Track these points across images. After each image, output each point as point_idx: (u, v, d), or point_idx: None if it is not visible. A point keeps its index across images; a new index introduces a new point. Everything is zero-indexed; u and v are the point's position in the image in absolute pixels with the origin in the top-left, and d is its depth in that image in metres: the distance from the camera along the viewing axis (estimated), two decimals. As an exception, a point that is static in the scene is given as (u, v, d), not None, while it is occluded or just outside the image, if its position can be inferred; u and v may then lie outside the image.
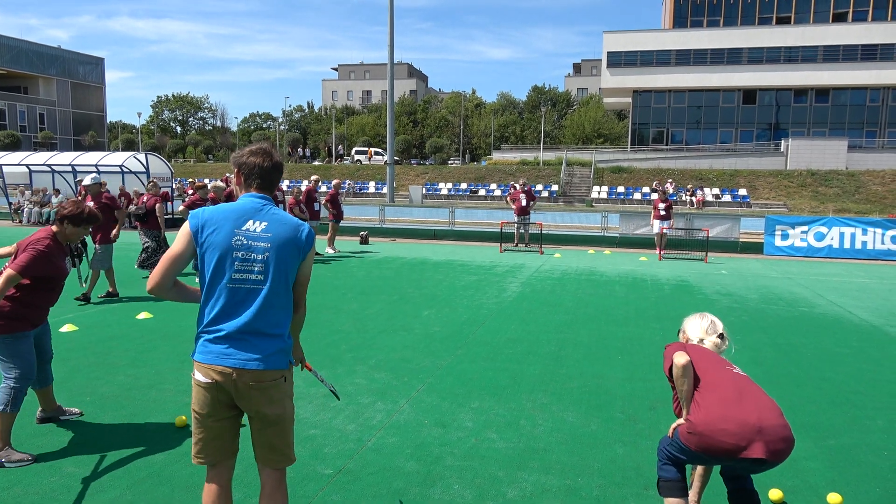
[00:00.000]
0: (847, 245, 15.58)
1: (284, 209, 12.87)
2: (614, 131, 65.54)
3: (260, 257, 2.46)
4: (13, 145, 50.60)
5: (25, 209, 21.49)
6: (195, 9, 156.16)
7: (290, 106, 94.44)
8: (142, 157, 21.76)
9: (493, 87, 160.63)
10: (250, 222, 2.49)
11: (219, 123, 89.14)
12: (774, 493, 3.37)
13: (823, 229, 15.73)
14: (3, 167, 23.25)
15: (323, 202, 14.20)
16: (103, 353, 6.10)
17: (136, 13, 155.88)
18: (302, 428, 4.32)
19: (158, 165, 22.04)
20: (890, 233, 15.39)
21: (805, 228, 15.86)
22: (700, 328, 3.15)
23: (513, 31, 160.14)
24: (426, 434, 4.27)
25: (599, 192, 41.19)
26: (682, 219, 17.25)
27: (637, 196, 40.15)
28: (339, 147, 63.61)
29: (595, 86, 74.40)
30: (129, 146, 66.66)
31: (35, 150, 44.72)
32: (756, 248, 16.12)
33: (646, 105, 54.42)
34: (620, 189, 41.43)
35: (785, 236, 15.91)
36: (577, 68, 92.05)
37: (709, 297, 9.68)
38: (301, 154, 63.14)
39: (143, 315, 7.68)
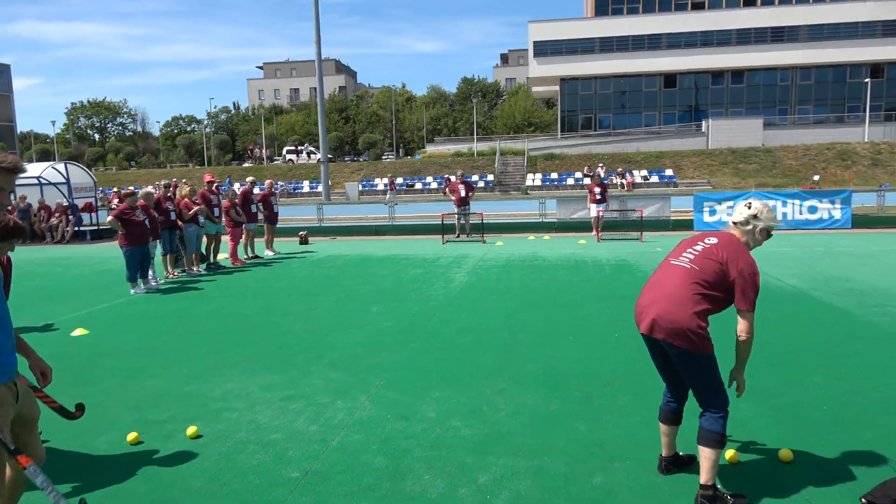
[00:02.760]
0: (769, 217, 16.41)
1: (220, 213, 12.51)
2: (544, 119, 66.74)
3: None
4: (-88, 161, 47.01)
5: (-67, 229, 20.02)
6: (107, 10, 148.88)
7: (215, 107, 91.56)
8: (61, 167, 20.64)
9: (423, 80, 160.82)
10: None
11: (140, 128, 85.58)
12: (728, 453, 3.54)
13: (747, 204, 16.51)
14: None
15: (256, 203, 13.85)
16: (39, 374, 5.77)
17: (43, 16, 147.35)
18: (263, 433, 4.24)
19: (79, 175, 20.98)
20: (807, 203, 16.33)
21: (731, 204, 16.61)
22: (734, 212, 3.36)
23: (439, 23, 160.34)
24: (390, 428, 4.25)
25: (534, 180, 41.88)
26: (615, 201, 17.75)
27: (570, 182, 41.04)
28: (255, 149, 62.02)
29: (523, 75, 75.37)
30: (45, 157, 63.24)
31: (-62, 165, 41.65)
32: (687, 225, 16.77)
33: (573, 92, 55.59)
34: (554, 175, 42.24)
35: (713, 212, 16.62)
36: (505, 59, 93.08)
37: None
38: (258, 156, 60.36)
39: (78, 331, 7.31)
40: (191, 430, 4.23)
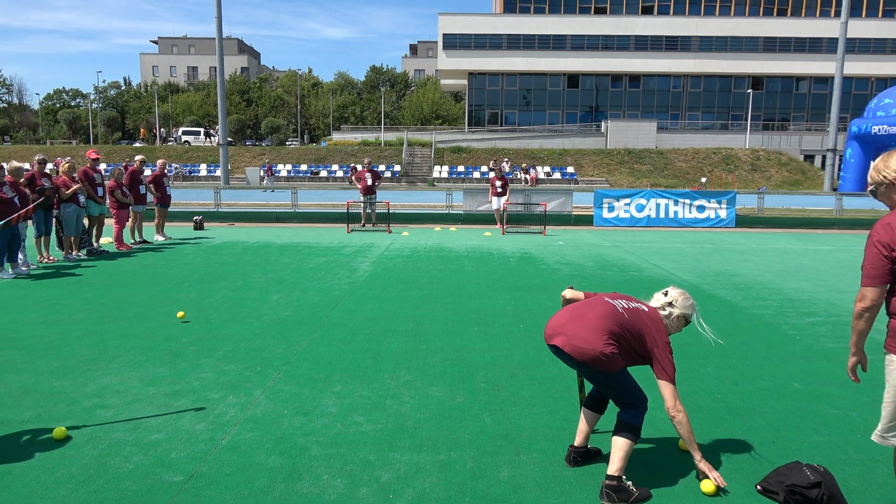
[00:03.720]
0: (663, 215, 17.26)
1: (104, 193, 11.53)
2: (452, 112, 67.17)
3: None
4: None
5: None
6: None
7: (103, 81, 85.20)
8: (-86, 136, 18.34)
9: (331, 66, 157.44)
10: None
11: (16, 100, 78.26)
12: (706, 486, 3.20)
13: (643, 201, 17.27)
14: None
15: (146, 183, 12.91)
16: None
17: None
18: (143, 433, 3.83)
19: (-62, 146, 18.75)
20: (696, 203, 17.28)
21: (628, 201, 17.31)
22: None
23: (349, 10, 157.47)
24: (287, 425, 3.97)
25: (441, 172, 42.01)
26: (520, 195, 18.03)
27: (476, 175, 41.52)
28: (161, 129, 58.28)
29: (432, 67, 75.47)
30: None
31: None
32: (587, 221, 17.30)
33: (481, 87, 56.25)
34: (461, 168, 42.57)
35: (611, 208, 17.25)
36: (414, 49, 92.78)
37: (551, 267, 10.18)
38: (157, 135, 56.07)
39: (-74, 321, 6.43)
40: (58, 430, 3.75)
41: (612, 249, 12.45)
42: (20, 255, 9.60)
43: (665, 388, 3.11)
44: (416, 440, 3.76)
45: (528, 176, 39.72)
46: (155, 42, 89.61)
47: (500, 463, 3.49)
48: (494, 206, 16.36)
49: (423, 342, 5.83)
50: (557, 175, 41.81)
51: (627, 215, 17.28)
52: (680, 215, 17.25)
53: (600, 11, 55.54)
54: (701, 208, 17.28)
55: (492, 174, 16.42)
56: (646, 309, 3.31)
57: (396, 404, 4.32)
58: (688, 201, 17.31)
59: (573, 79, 55.17)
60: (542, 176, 41.27)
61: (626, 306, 3.29)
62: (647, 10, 55.88)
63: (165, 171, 13.79)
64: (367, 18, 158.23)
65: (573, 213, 17.74)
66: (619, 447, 3.10)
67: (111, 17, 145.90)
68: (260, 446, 3.67)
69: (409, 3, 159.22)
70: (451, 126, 61.63)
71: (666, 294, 3.36)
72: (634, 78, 54.68)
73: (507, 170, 39.64)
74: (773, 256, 11.74)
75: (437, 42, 56.27)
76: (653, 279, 9.21)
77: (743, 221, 17.52)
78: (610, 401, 3.43)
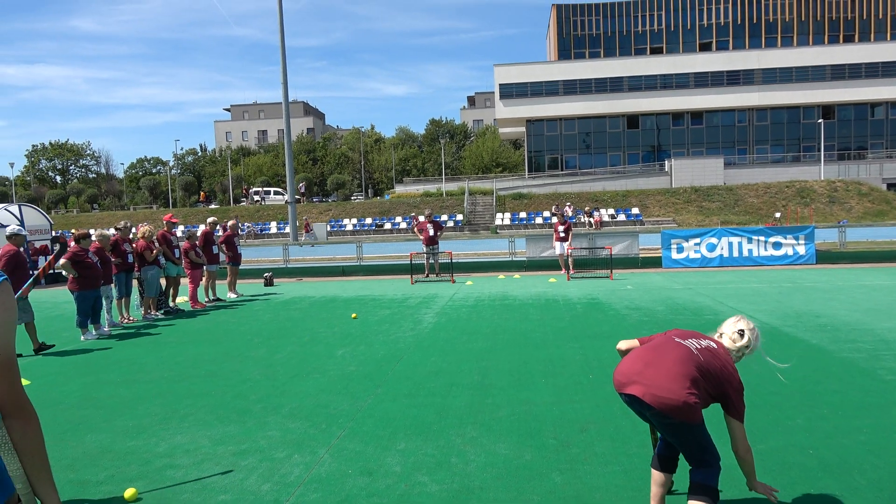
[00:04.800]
0: (736, 254, 16.56)
1: (179, 254, 12.06)
2: (511, 160, 67.61)
3: None
4: None
5: None
6: (71, 53, 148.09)
7: (181, 149, 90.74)
8: (14, 208, 19.92)
9: (392, 122, 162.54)
10: None
11: (104, 170, 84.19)
12: None
13: (714, 240, 16.65)
14: None
15: (218, 244, 13.44)
16: (-34, 431, 5.26)
17: (5, 59, 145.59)
18: (210, 494, 3.84)
19: (35, 217, 20.26)
20: (772, 240, 16.51)
21: (697, 241, 16.73)
22: (725, 324, 3.38)
23: (407, 67, 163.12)
24: (351, 485, 3.90)
25: (503, 219, 42.06)
26: (585, 239, 17.75)
27: (539, 220, 41.32)
28: (250, 188, 60.21)
29: (490, 117, 76.68)
30: (2, 199, 61.57)
31: None
32: (655, 263, 16.79)
33: (539, 133, 56.55)
34: (522, 214, 42.51)
35: (680, 249, 16.70)
36: (472, 101, 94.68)
37: (620, 313, 9.85)
38: (248, 195, 57.69)
39: (16, 383, 6.77)
40: (129, 492, 3.81)
41: (684, 292, 11.98)
42: (105, 316, 10.09)
43: (738, 428, 3.05)
44: (483, 501, 3.61)
45: (592, 219, 39.22)
46: (228, 110, 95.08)
47: (572, 527, 3.29)
48: (558, 252, 16.14)
49: (488, 395, 5.69)
50: (622, 217, 41.10)
51: (698, 256, 16.67)
52: (755, 253, 16.51)
53: (656, 51, 55.37)
54: (777, 245, 16.49)
55: (554, 219, 16.27)
56: (715, 346, 3.18)
57: (462, 463, 4.18)
58: (762, 238, 16.57)
59: (633, 119, 54.74)
60: (606, 218, 40.67)
61: (699, 346, 3.13)
62: (705, 47, 55.29)
63: (236, 230, 14.34)
64: (425, 74, 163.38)
65: (640, 255, 17.28)
66: None
67: (189, 90, 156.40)
68: (324, 508, 3.60)
69: (465, 56, 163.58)
70: (512, 173, 61.98)
71: (742, 335, 3.22)
72: (696, 115, 53.75)
73: (571, 213, 39.31)
74: (860, 294, 10.99)
75: (493, 92, 57.23)
76: (729, 322, 8.74)
77: (824, 257, 16.59)
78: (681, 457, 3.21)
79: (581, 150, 56.34)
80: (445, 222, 41.07)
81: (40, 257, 19.84)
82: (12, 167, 66.57)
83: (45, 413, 5.68)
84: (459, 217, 42.58)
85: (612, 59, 54.46)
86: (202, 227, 13.19)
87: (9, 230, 9.16)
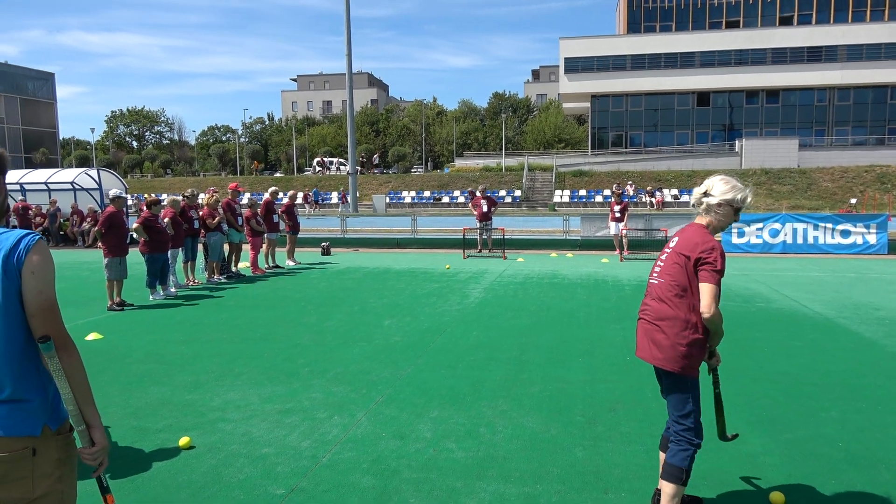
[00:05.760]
0: (800, 241, 15.98)
1: (241, 222, 12.61)
2: (574, 136, 66.43)
3: None
4: (-41, 165, 48.74)
5: (-29, 230, 20.64)
6: (149, 21, 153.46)
7: (249, 118, 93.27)
8: (93, 173, 21.15)
9: (454, 94, 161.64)
10: None
11: (176, 137, 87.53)
12: (775, 496, 3.36)
13: (777, 226, 16.11)
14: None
15: (279, 213, 13.96)
16: (47, 377, 5.82)
17: (88, 27, 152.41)
18: (255, 447, 4.18)
19: (111, 181, 21.46)
20: (840, 227, 15.83)
21: (760, 226, 16.22)
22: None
23: (472, 39, 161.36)
24: (383, 447, 4.16)
25: (562, 196, 41.60)
26: (641, 220, 17.48)
27: (598, 199, 40.67)
28: (323, 158, 61.29)
29: (554, 91, 75.28)
30: (83, 162, 65.00)
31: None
32: (714, 247, 16.36)
33: (604, 109, 55.22)
34: (582, 192, 41.92)
35: (741, 234, 16.24)
36: (536, 75, 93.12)
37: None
38: (324, 164, 58.32)
39: (92, 336, 7.39)
40: (183, 440, 4.19)
41: (739, 278, 11.72)
42: (171, 278, 10.73)
43: (706, 290, 2.88)
44: (505, 470, 3.80)
45: (653, 199, 38.32)
46: (294, 80, 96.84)
47: (586, 500, 3.44)
48: (613, 232, 15.98)
49: (524, 371, 5.85)
50: (686, 198, 39.94)
51: (759, 241, 16.18)
52: (820, 241, 15.88)
53: (732, 25, 52.87)
54: (846, 233, 15.81)
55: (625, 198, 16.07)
56: (676, 240, 3.12)
57: (489, 433, 4.38)
58: (830, 225, 15.91)
59: (703, 97, 52.70)
60: (668, 199, 39.65)
61: (661, 269, 3.12)
62: (786, 21, 52.44)
63: (295, 200, 14.82)
64: (490, 46, 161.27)
65: (698, 238, 16.87)
66: (665, 492, 3.02)
67: (258, 59, 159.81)
68: (356, 466, 3.88)
69: (531, 28, 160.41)
70: (574, 149, 60.94)
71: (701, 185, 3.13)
72: (772, 93, 51.27)
73: (632, 193, 38.51)
74: (929, 287, 10.50)
75: (558, 66, 56.15)
76: (781, 311, 8.57)
77: (897, 247, 15.80)
78: None
79: (647, 128, 54.75)
80: (503, 198, 40.96)
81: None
82: (93, 132, 70.16)
83: (115, 365, 6.21)
84: (518, 193, 42.37)
85: (685, 32, 52.36)
86: (265, 196, 13.71)
87: (112, 193, 10.19)
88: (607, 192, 40.86)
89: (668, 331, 3.01)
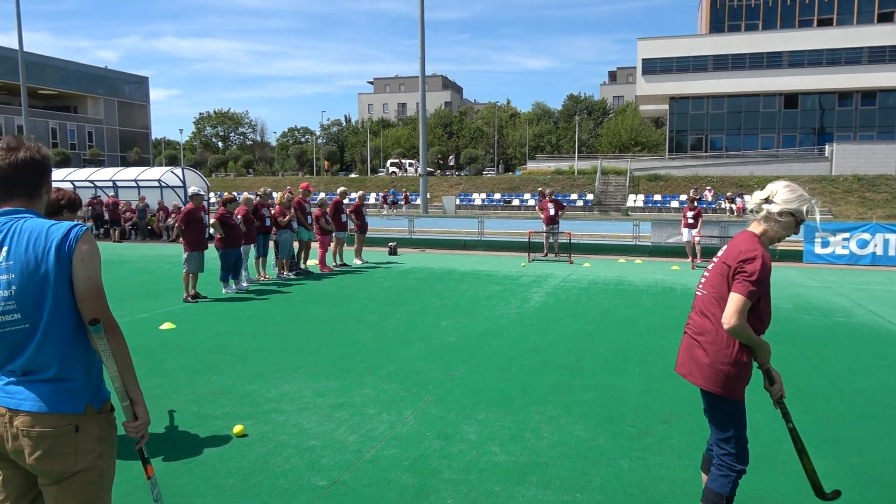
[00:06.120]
0: (892, 252, 14.94)
1: (311, 221, 12.99)
2: (652, 139, 64.63)
3: (8, 293, 1.95)
4: (63, 163, 52.58)
5: (69, 224, 22.21)
6: (236, 27, 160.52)
7: (327, 120, 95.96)
8: (178, 171, 22.33)
9: (528, 97, 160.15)
10: None
11: (258, 138, 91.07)
12: None
13: (867, 236, 15.12)
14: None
15: (347, 213, 14.29)
16: (122, 362, 6.19)
17: (181, 33, 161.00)
18: (304, 438, 4.31)
19: (195, 180, 22.58)
20: (938, 239, 14.68)
21: (847, 235, 15.27)
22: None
23: (548, 40, 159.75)
24: (427, 446, 4.19)
25: (635, 201, 40.55)
26: (716, 226, 16.82)
27: (674, 204, 39.40)
28: (402, 160, 62.25)
29: (631, 93, 73.50)
30: (172, 161, 68.53)
31: (84, 167, 46.36)
32: (795, 256, 15.57)
33: (683, 111, 53.48)
34: (657, 197, 40.72)
35: (825, 243, 15.35)
36: (613, 76, 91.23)
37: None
38: (402, 165, 59.38)
39: (166, 325, 7.81)
40: (237, 428, 4.37)
41: (820, 290, 11.09)
42: (243, 273, 11.19)
43: (732, 299, 2.68)
44: (545, 477, 3.75)
45: (733, 205, 36.74)
46: (371, 82, 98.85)
47: (627, 512, 3.35)
48: (685, 239, 15.43)
49: (577, 377, 5.75)
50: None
51: (846, 252, 15.23)
52: (915, 253, 14.77)
53: (825, 23, 50.04)
54: (945, 245, 14.64)
55: (697, 204, 15.54)
56: (724, 248, 2.93)
57: (535, 438, 4.34)
58: (926, 237, 14.78)
59: (791, 98, 50.11)
60: (749, 206, 37.90)
61: (705, 280, 2.94)
62: (885, 18, 49.13)
63: (364, 201, 15.13)
64: (565, 48, 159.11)
65: (778, 247, 16.07)
66: None
67: (337, 62, 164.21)
68: (398, 463, 3.93)
69: (608, 29, 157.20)
70: (651, 153, 59.31)
71: (763, 189, 2.88)
72: (868, 94, 48.13)
73: (710, 198, 37.07)
74: None
75: (636, 68, 54.79)
76: (863, 326, 8.05)
77: None
78: None
79: (729, 131, 52.58)
80: (574, 202, 40.37)
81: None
82: (181, 133, 74.00)
83: (184, 354, 6.54)
84: (590, 197, 41.62)
85: (772, 31, 49.95)
86: (334, 196, 14.07)
87: (191, 190, 10.85)
88: (683, 197, 39.52)
89: (708, 348, 2.84)
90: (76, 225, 2.03)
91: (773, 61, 48.68)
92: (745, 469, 2.87)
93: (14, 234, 1.98)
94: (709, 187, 39.10)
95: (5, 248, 1.97)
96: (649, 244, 17.12)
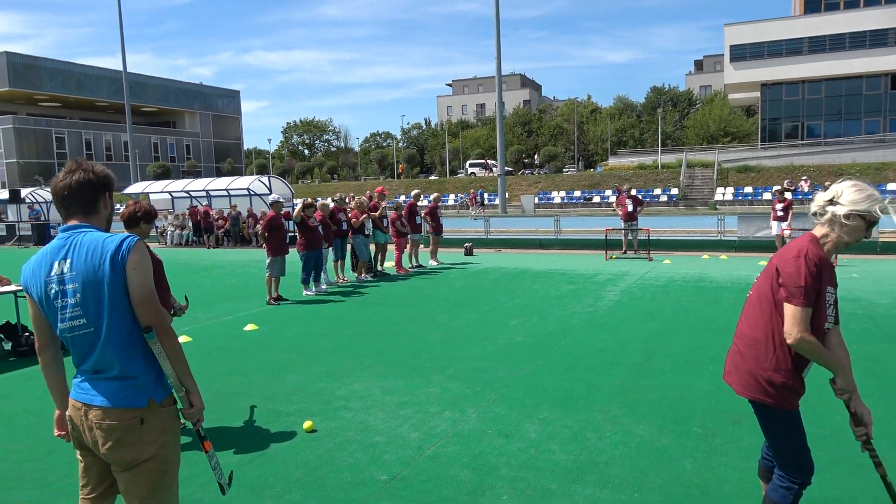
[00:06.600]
0: None
1: (387, 223, 13.31)
2: (742, 128, 61.66)
3: (74, 300, 2.18)
4: (164, 175, 56.29)
5: (168, 232, 23.83)
6: (320, 38, 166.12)
7: (407, 124, 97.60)
8: (265, 179, 23.43)
9: (610, 91, 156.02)
10: (56, 265, 2.21)
11: (342, 144, 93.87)
12: None
13: (983, 225, 13.82)
14: (150, 195, 26.03)
15: (422, 215, 14.52)
16: (208, 362, 6.63)
17: (269, 47, 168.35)
18: (369, 434, 4.48)
19: (280, 187, 23.63)
20: None
21: (960, 225, 14.01)
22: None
23: (631, 31, 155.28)
24: (487, 444, 4.25)
25: (724, 194, 38.81)
26: (809, 219, 15.82)
27: (767, 196, 37.39)
28: (487, 160, 62.67)
29: (719, 82, 70.33)
30: (262, 170, 71.74)
31: (183, 178, 49.45)
32: (900, 249, 14.45)
33: (776, 98, 50.60)
34: (748, 189, 38.81)
35: (935, 234, 14.15)
36: (699, 65, 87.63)
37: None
38: (488, 165, 60.10)
39: (249, 327, 8.26)
40: (307, 424, 4.59)
41: (925, 284, 10.27)
42: (323, 276, 11.63)
43: (787, 311, 2.49)
44: (604, 476, 3.73)
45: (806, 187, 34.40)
46: (449, 85, 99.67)
47: (684, 513, 3.29)
48: (774, 232, 14.67)
49: (645, 377, 5.64)
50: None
51: (959, 242, 13.98)
52: None
53: (938, -5, 45.91)
54: None
55: (788, 195, 14.78)
56: (783, 251, 2.70)
57: (596, 438, 4.30)
58: None
59: (899, 78, 46.38)
60: (812, 208, 35.39)
61: (757, 280, 2.75)
62: None
63: (439, 202, 15.34)
64: (650, 38, 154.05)
65: (879, 239, 14.98)
66: None
67: (416, 66, 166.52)
68: (457, 460, 4.01)
69: (694, 16, 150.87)
70: (742, 143, 56.51)
71: (826, 189, 2.62)
72: None
73: (807, 189, 34.91)
74: None
75: (723, 55, 52.38)
76: (971, 324, 7.40)
77: None
78: None
79: (828, 117, 49.27)
80: (658, 196, 39.16)
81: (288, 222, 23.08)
82: (269, 142, 77.38)
83: (264, 354, 6.90)
84: (674, 191, 40.20)
85: (875, 7, 46.39)
86: (409, 199, 14.35)
87: (271, 198, 11.42)
88: (777, 187, 37.46)
89: (748, 353, 2.69)
90: (128, 237, 2.24)
91: (876, 40, 45.27)
92: (808, 481, 2.68)
93: (75, 248, 2.21)
94: (805, 177, 36.85)
95: (69, 261, 2.20)
96: (735, 239, 16.38)
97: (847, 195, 2.59)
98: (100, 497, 2.36)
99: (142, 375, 2.24)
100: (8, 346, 7.40)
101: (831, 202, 2.63)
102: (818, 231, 2.67)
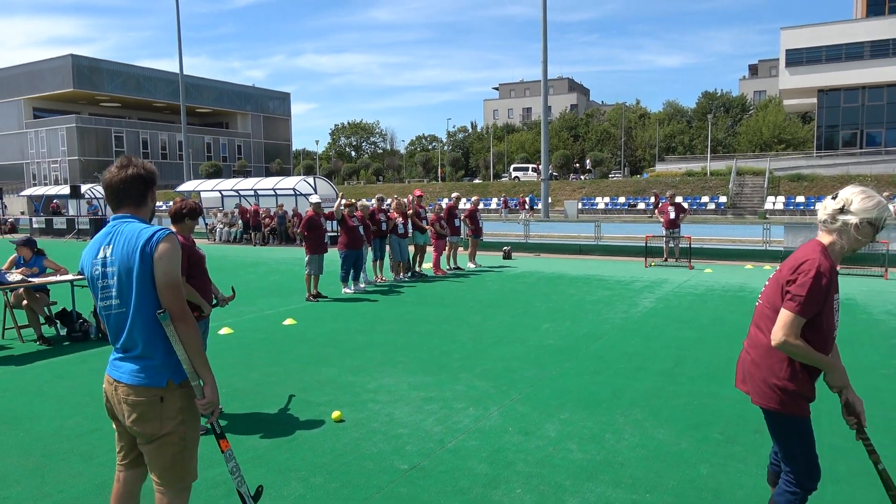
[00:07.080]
0: None
1: (427, 224, 13.52)
2: (798, 135, 59.82)
3: (112, 282, 2.42)
4: (215, 174, 58.02)
5: (217, 229, 24.63)
6: (370, 41, 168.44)
7: (453, 127, 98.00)
8: (310, 180, 23.97)
9: (660, 96, 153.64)
10: (102, 249, 2.46)
11: (388, 146, 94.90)
12: None
13: None
14: (201, 193, 26.94)
15: (462, 218, 14.68)
16: (248, 352, 6.93)
17: (320, 50, 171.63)
18: (393, 426, 4.65)
19: (325, 188, 24.15)
20: None
21: None
22: None
23: (684, 35, 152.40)
24: (506, 440, 4.37)
25: (774, 203, 37.77)
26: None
27: (819, 206, 36.20)
28: (538, 164, 62.70)
29: (774, 88, 68.43)
30: (309, 171, 73.10)
31: (233, 177, 50.90)
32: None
33: (834, 105, 48.96)
34: (800, 199, 37.67)
35: None
36: (754, 70, 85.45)
37: (874, 317, 8.60)
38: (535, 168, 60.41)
39: (288, 321, 8.56)
40: (336, 414, 4.80)
41: (979, 301, 9.87)
42: (362, 275, 11.90)
43: (781, 315, 2.54)
44: (618, 476, 3.80)
45: (891, 206, 33.12)
46: (496, 88, 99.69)
47: (693, 515, 3.34)
48: (822, 243, 14.27)
49: (672, 383, 5.65)
50: (936, 205, 33.95)
51: None
52: None
53: None
54: None
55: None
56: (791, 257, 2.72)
57: (614, 439, 4.37)
58: None
59: (968, 85, 44.28)
60: (820, 216, 33.96)
61: (764, 289, 2.77)
62: None
63: (478, 206, 15.46)
64: (704, 42, 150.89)
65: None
66: None
67: (465, 70, 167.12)
68: (476, 454, 4.14)
69: (749, 19, 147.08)
70: (797, 151, 54.84)
71: (835, 197, 2.63)
72: None
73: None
74: None
75: (778, 60, 50.96)
76: None
77: None
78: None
79: (889, 125, 47.39)
80: (705, 204, 38.39)
81: (327, 221, 23.59)
82: (317, 144, 78.83)
83: (300, 347, 7.17)
84: (722, 199, 39.32)
85: (943, 11, 44.50)
86: (446, 201, 14.53)
87: (312, 199, 11.65)
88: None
89: (759, 361, 2.74)
90: (160, 229, 2.46)
91: (943, 44, 43.36)
92: (815, 487, 2.73)
93: (118, 235, 2.45)
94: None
95: (111, 246, 2.45)
96: (781, 249, 15.98)
97: (857, 203, 2.61)
98: (132, 463, 2.60)
99: (160, 358, 2.44)
100: (64, 331, 7.88)
101: (842, 211, 2.64)
102: (825, 239, 2.70)
